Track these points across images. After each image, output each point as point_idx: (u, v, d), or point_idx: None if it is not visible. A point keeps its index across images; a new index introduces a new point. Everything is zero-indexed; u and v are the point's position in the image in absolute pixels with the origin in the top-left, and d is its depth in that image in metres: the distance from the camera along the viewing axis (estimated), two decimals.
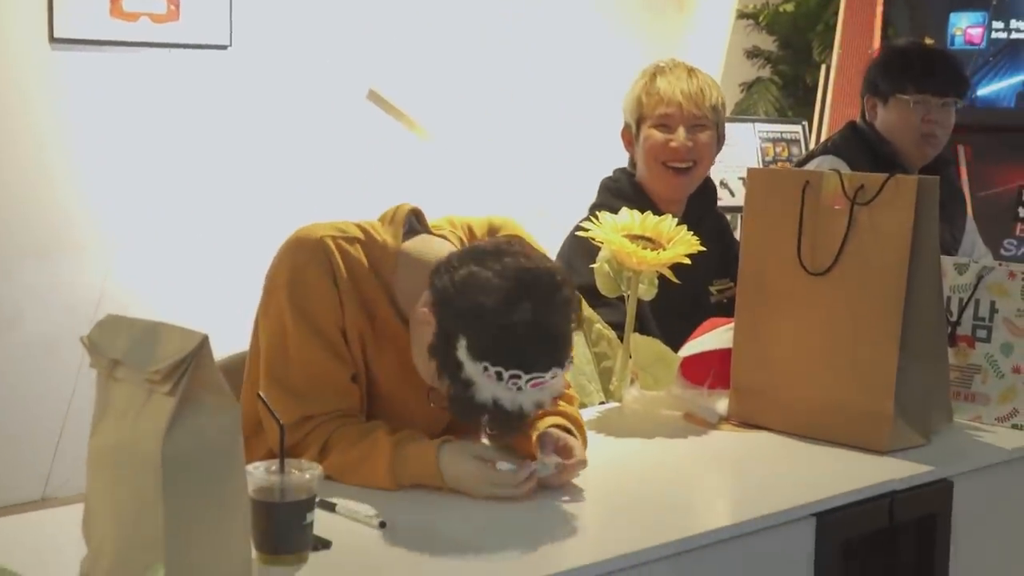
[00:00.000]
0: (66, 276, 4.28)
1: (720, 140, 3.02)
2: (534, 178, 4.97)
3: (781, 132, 5.54)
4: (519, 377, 1.87)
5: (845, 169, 3.10)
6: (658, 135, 2.94)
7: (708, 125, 2.96)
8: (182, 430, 1.59)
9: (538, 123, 5.19)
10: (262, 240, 4.46)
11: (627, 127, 3.04)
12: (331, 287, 2.09)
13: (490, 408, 1.89)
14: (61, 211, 4.28)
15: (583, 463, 2.06)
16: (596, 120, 5.29)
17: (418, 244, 2.16)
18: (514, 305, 1.88)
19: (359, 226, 2.17)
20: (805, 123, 5.65)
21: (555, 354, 1.91)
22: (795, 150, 5.55)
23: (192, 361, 1.60)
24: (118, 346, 1.68)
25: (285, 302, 2.09)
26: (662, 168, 2.94)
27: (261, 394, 1.82)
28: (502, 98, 5.16)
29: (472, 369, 1.88)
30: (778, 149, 5.49)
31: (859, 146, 3.59)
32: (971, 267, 2.53)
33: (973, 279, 2.51)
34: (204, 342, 1.61)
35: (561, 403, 2.22)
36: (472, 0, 5.12)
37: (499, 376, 1.87)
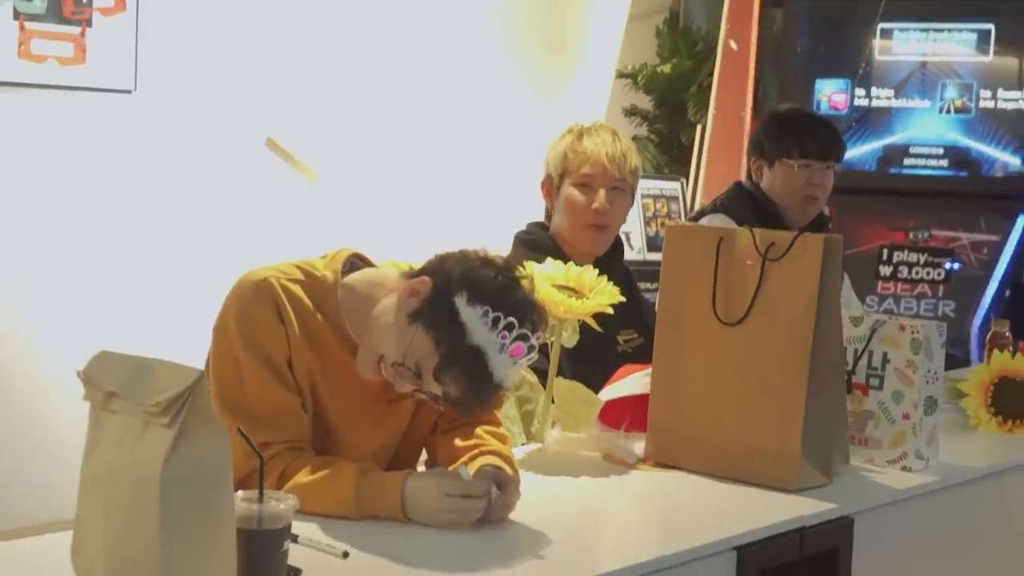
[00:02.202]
0: None
1: (632, 201, 3.22)
2: (432, 227, 5.12)
3: (661, 189, 5.79)
4: (512, 327, 2.09)
5: (733, 227, 3.31)
6: (580, 197, 3.12)
7: (626, 188, 3.15)
8: (179, 458, 1.70)
9: (430, 172, 5.34)
10: (163, 282, 4.58)
11: (548, 179, 3.21)
12: (277, 322, 2.22)
13: (474, 357, 2.08)
14: None
15: (518, 493, 2.22)
16: (482, 171, 5.48)
17: (361, 275, 2.31)
18: (513, 274, 2.17)
19: (299, 267, 2.30)
20: (683, 180, 5.90)
21: (537, 321, 2.16)
22: (674, 206, 5.80)
23: (190, 395, 1.72)
24: (113, 380, 1.79)
25: (236, 338, 2.21)
26: (582, 226, 3.13)
27: (241, 429, 1.93)
28: (394, 147, 5.31)
29: (469, 314, 2.08)
30: (658, 205, 5.74)
31: (745, 205, 3.82)
32: (865, 320, 2.74)
33: (867, 331, 2.73)
34: (201, 377, 1.73)
35: (495, 441, 2.38)
36: (364, 53, 5.26)
37: (496, 322, 2.08)
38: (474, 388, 2.12)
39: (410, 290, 2.16)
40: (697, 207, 5.84)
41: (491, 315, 2.08)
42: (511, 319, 2.09)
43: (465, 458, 2.29)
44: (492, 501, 2.15)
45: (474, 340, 2.08)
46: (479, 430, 2.39)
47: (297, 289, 2.25)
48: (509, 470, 2.27)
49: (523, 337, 2.11)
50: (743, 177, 5.31)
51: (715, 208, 3.86)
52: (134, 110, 4.60)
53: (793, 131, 3.79)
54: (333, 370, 2.26)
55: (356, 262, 2.35)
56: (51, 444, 4.27)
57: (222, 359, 2.24)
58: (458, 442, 2.36)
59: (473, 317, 2.08)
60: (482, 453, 2.31)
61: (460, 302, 2.09)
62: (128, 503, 1.72)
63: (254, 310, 2.22)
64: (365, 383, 2.28)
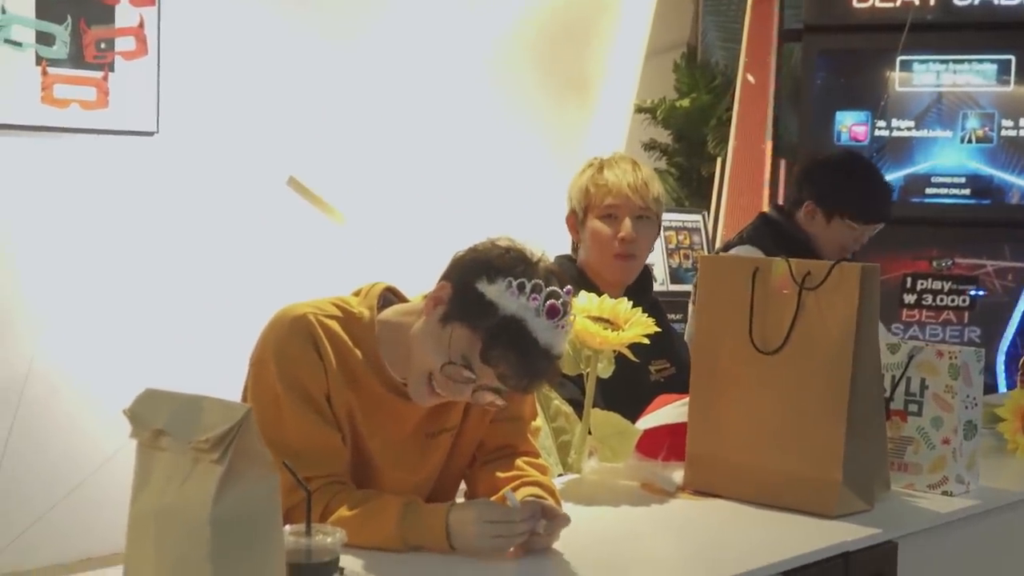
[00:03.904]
0: None
1: (658, 229, 3.23)
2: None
3: (683, 221, 5.80)
4: (539, 289, 2.11)
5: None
6: (606, 229, 3.13)
7: (651, 216, 3.16)
8: (229, 495, 1.70)
9: (453, 209, 5.35)
10: (189, 321, 4.59)
11: (572, 213, 3.22)
12: (315, 357, 2.22)
13: (514, 327, 2.10)
14: None
15: (562, 523, 2.21)
16: (505, 207, 5.49)
17: (396, 308, 2.32)
18: (523, 247, 2.20)
19: (335, 304, 2.30)
20: (705, 213, 5.91)
21: (561, 281, 2.17)
22: (696, 238, 5.81)
23: (238, 431, 1.72)
24: (160, 417, 1.79)
25: (274, 373, 2.21)
26: (610, 256, 3.13)
27: (287, 463, 1.92)
28: (418, 186, 5.33)
29: (495, 291, 2.12)
30: (680, 237, 5.75)
31: (771, 236, 3.83)
32: (902, 347, 2.74)
33: (904, 358, 2.72)
34: (249, 413, 1.73)
35: (536, 472, 2.37)
36: (383, 92, 5.29)
37: (521, 288, 2.11)
38: (524, 359, 2.13)
39: (434, 300, 2.19)
40: (719, 239, 5.86)
41: (515, 283, 2.12)
42: (536, 281, 2.13)
43: (509, 487, 2.28)
44: (535, 531, 2.15)
45: (508, 311, 2.11)
46: (519, 461, 2.39)
47: (334, 325, 2.26)
48: (551, 501, 2.27)
49: (554, 295, 2.13)
50: (765, 208, 5.33)
51: (742, 240, 3.87)
52: (157, 152, 4.63)
53: (862, 196, 3.83)
54: (371, 406, 2.27)
55: (389, 297, 2.36)
56: (83, 484, 4.28)
57: (260, 395, 2.24)
58: (499, 474, 2.36)
59: (499, 292, 2.12)
60: (524, 484, 2.31)
61: (482, 285, 2.13)
62: (178, 541, 1.72)
63: (292, 345, 2.22)
64: (404, 418, 2.29)
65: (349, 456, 2.27)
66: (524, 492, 2.26)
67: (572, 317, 2.19)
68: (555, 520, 2.17)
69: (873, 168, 4.08)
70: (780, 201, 5.77)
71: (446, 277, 2.21)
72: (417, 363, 2.20)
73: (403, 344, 2.24)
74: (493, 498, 2.27)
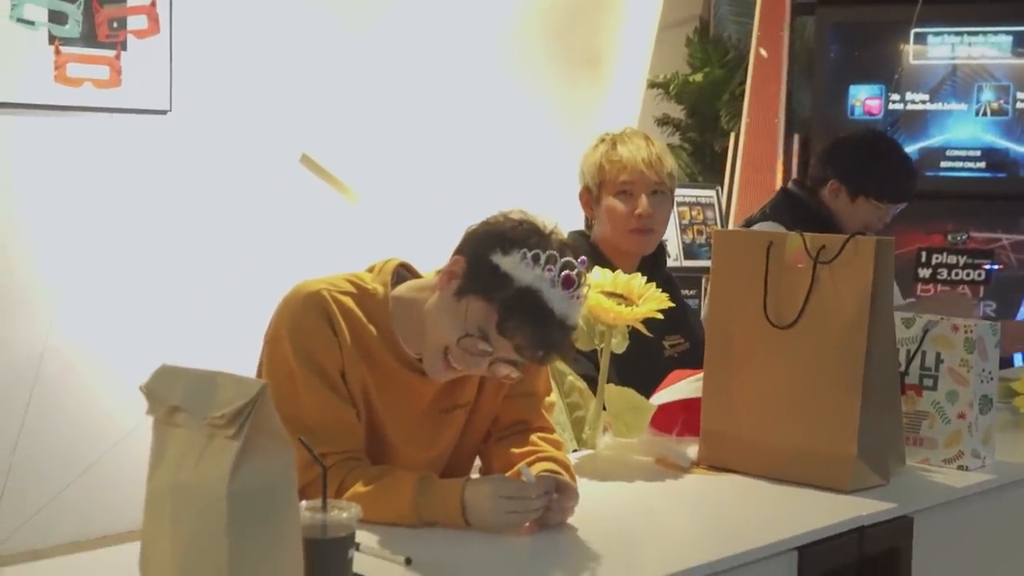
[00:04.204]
0: (9, 333, 4.32)
1: (672, 203, 3.22)
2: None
3: (696, 196, 5.79)
4: (553, 260, 2.11)
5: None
6: (622, 206, 3.12)
7: (666, 191, 3.16)
8: (245, 470, 1.70)
9: (465, 186, 5.35)
10: (200, 297, 4.60)
11: (586, 190, 3.21)
12: (330, 333, 2.22)
13: (530, 298, 2.10)
14: (4, 270, 4.33)
15: (577, 498, 2.21)
16: (517, 184, 5.48)
17: (410, 284, 2.32)
18: (535, 220, 2.19)
19: (349, 280, 2.31)
20: (719, 188, 5.90)
21: (574, 253, 2.17)
22: (710, 214, 5.79)
23: (254, 406, 1.72)
24: (176, 393, 1.80)
25: (289, 349, 2.22)
26: (627, 231, 3.13)
27: (302, 439, 1.93)
28: (429, 162, 5.32)
29: (509, 263, 2.12)
30: (694, 213, 5.74)
31: (793, 211, 3.81)
32: (917, 321, 2.73)
33: (919, 332, 2.72)
34: (264, 389, 1.73)
35: (550, 448, 2.38)
36: (395, 70, 5.28)
37: (536, 259, 2.11)
38: (541, 330, 2.13)
39: (448, 274, 2.19)
40: (733, 214, 5.84)
41: (529, 255, 2.12)
42: (550, 252, 2.13)
43: (524, 462, 2.29)
44: (550, 506, 2.15)
45: (523, 282, 2.11)
46: (534, 437, 2.39)
47: (348, 301, 2.26)
48: (566, 476, 2.27)
49: (568, 266, 2.14)
50: (779, 183, 5.32)
51: (764, 216, 3.86)
52: (170, 130, 4.62)
53: (888, 175, 3.82)
54: (386, 382, 2.27)
55: (403, 273, 2.36)
56: (100, 461, 4.29)
57: (275, 371, 2.24)
58: (514, 449, 2.36)
59: (514, 263, 2.12)
60: (539, 459, 2.31)
61: (497, 257, 2.13)
62: (194, 517, 1.72)
63: (307, 322, 2.23)
64: (418, 394, 2.29)
65: (364, 432, 2.27)
66: (539, 467, 2.26)
67: (586, 288, 2.19)
68: (564, 494, 2.17)
69: (898, 147, 4.06)
70: (794, 175, 5.76)
71: (460, 251, 2.21)
72: (432, 338, 2.20)
73: (417, 320, 2.24)
74: (508, 473, 2.27)
